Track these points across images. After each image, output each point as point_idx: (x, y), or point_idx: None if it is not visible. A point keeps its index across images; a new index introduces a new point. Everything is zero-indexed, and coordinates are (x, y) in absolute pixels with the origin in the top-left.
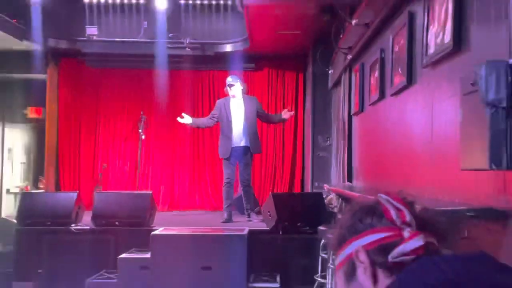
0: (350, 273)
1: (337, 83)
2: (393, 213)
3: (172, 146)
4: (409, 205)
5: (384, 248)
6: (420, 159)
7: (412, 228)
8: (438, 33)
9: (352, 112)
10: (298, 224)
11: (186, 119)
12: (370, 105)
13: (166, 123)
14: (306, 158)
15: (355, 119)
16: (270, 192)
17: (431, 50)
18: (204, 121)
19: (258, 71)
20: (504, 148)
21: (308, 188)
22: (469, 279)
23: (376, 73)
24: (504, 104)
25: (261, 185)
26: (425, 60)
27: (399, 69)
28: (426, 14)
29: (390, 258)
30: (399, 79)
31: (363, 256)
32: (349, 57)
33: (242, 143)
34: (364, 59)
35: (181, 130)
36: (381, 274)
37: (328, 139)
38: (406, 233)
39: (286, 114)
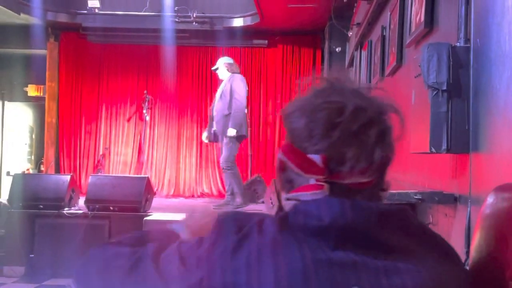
0: None
1: (351, 62)
2: None
3: (178, 128)
4: None
5: None
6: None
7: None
8: (417, 11)
9: None
10: None
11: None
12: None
13: (172, 103)
14: None
15: None
16: (272, 179)
17: (413, 29)
18: None
19: (271, 48)
20: (444, 131)
21: None
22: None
23: (379, 52)
24: (444, 87)
25: (275, 172)
26: (409, 39)
27: (393, 48)
28: None
29: None
30: (393, 59)
31: None
32: (359, 34)
33: (215, 127)
34: (372, 36)
35: (188, 111)
36: None
37: None
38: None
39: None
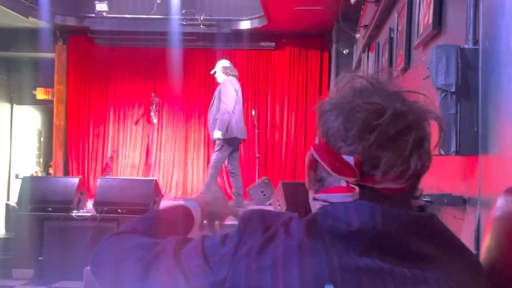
0: None
1: (359, 64)
2: None
3: (186, 131)
4: None
5: None
6: None
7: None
8: (425, 13)
9: None
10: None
11: None
12: None
13: (179, 106)
14: None
15: None
16: (280, 181)
17: (421, 30)
18: None
19: (279, 50)
20: (453, 133)
21: None
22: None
23: (386, 54)
24: (453, 89)
25: (282, 174)
26: (417, 41)
27: (401, 50)
28: None
29: None
30: (400, 61)
31: None
32: (366, 36)
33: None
34: (379, 38)
35: (195, 114)
36: None
37: None
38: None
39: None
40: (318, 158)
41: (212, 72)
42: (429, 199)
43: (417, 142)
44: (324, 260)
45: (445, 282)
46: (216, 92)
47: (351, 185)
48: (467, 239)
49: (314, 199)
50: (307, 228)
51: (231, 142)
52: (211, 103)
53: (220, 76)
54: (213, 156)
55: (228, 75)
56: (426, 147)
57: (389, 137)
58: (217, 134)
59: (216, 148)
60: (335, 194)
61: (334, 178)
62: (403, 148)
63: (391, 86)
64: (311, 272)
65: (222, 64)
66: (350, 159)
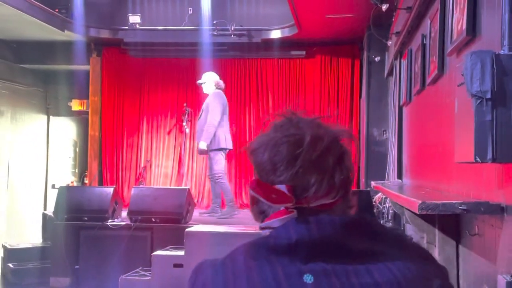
0: None
1: (391, 71)
2: None
3: None
4: None
5: None
6: (449, 155)
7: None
8: (459, 19)
9: (401, 102)
10: None
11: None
12: (415, 94)
13: None
14: (361, 152)
15: (405, 110)
16: None
17: (455, 36)
18: None
19: (310, 59)
20: (489, 140)
21: (363, 186)
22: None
23: (419, 61)
24: (488, 96)
25: None
26: (450, 47)
27: (434, 57)
28: None
29: None
30: (434, 67)
31: None
32: (398, 43)
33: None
34: (412, 45)
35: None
36: None
37: (385, 132)
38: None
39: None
40: (255, 194)
41: (199, 82)
42: (465, 207)
43: (337, 159)
44: (270, 274)
45: (388, 270)
46: (204, 105)
47: (289, 209)
48: (505, 248)
49: (261, 228)
50: (252, 252)
51: (220, 152)
52: (199, 116)
53: (209, 88)
54: (213, 169)
55: (218, 88)
56: (346, 162)
57: (312, 160)
58: (202, 145)
59: (211, 162)
60: (276, 219)
61: (274, 207)
62: (326, 167)
63: (306, 115)
64: (258, 285)
65: (214, 78)
66: (283, 187)
